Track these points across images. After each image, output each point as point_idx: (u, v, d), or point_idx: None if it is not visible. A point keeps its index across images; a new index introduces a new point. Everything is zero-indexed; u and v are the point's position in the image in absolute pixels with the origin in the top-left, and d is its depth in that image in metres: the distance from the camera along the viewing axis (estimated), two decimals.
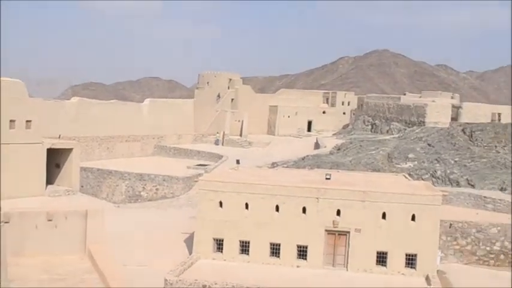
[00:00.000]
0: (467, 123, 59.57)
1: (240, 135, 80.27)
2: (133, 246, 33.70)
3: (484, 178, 45.89)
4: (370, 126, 79.09)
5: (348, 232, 30.70)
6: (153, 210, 46.83)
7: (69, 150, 50.31)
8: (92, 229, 25.07)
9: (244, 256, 31.26)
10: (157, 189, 52.75)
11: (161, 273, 27.65)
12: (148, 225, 39.45)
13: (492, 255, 35.41)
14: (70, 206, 36.74)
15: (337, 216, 30.68)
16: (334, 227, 30.71)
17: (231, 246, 31.35)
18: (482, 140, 53.00)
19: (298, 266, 30.74)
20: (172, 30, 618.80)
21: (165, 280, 27.16)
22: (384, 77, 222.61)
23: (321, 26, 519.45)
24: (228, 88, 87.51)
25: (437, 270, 31.04)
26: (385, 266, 30.42)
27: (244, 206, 31.29)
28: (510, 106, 73.14)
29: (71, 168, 50.43)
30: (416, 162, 50.45)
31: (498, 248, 35.45)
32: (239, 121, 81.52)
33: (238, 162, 43.33)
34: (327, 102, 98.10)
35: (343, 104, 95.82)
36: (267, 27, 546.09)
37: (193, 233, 32.66)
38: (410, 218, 30.35)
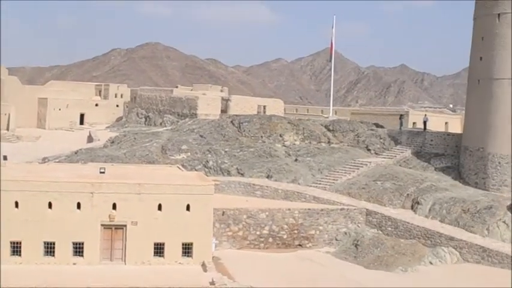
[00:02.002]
0: (236, 115, 62.46)
1: (7, 129, 75.49)
2: None
3: (252, 167, 48.69)
4: (143, 119, 79.31)
5: (125, 225, 30.63)
6: None
7: None
8: None
9: (16, 258, 29.59)
10: None
11: None
12: None
13: (262, 239, 37.81)
14: None
15: (113, 210, 30.44)
16: (111, 221, 30.44)
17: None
18: (249, 131, 56.04)
19: (74, 264, 29.89)
20: None
21: None
22: (156, 70, 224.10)
23: (93, 17, 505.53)
24: None
25: (213, 257, 32.33)
26: (162, 256, 30.91)
27: (14, 204, 29.58)
28: (273, 99, 78.47)
29: None
30: (189, 153, 51.76)
31: (267, 232, 37.95)
32: (5, 114, 76.65)
33: (5, 158, 40.64)
34: (100, 95, 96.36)
35: (116, 96, 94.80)
36: (34, 15, 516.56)
37: None
38: (185, 208, 31.19)
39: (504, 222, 37.44)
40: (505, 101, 42.96)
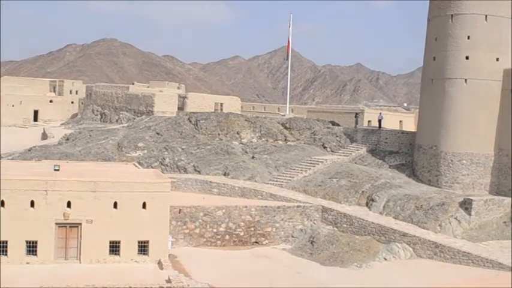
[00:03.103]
0: (193, 112, 62.29)
1: None
2: None
3: (209, 164, 48.65)
4: (99, 116, 78.34)
5: (80, 224, 30.29)
6: None
7: None
8: None
9: None
10: None
11: None
12: None
13: (219, 236, 37.83)
14: None
15: (68, 208, 30.06)
16: (65, 220, 30.06)
17: None
18: (206, 128, 55.96)
19: (28, 263, 29.43)
20: None
21: None
22: (112, 66, 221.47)
23: (48, 11, 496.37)
24: None
25: (169, 255, 32.24)
26: (118, 254, 30.69)
27: None
28: (230, 97, 78.46)
29: None
30: (146, 150, 51.42)
31: (223, 229, 37.99)
32: None
33: None
34: (54, 91, 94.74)
35: (71, 92, 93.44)
36: None
37: None
38: (141, 206, 31.03)
39: (456, 218, 38.32)
40: (457, 100, 43.93)
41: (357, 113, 63.05)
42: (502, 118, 43.42)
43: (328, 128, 57.74)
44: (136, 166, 40.04)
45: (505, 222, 39.71)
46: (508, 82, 43.23)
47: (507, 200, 41.22)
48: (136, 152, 51.16)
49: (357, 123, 58.74)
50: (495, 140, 43.62)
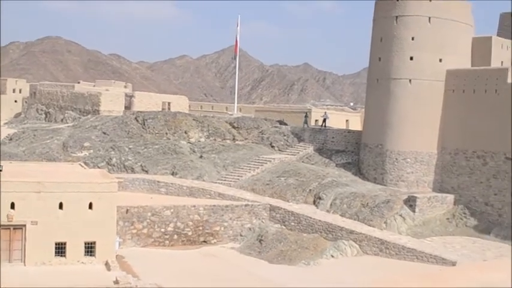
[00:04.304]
0: (140, 111, 61.69)
1: None
2: None
3: (157, 164, 48.33)
4: (44, 115, 76.66)
5: (24, 225, 29.63)
6: None
7: None
8: None
9: None
10: None
11: None
12: None
13: (167, 236, 37.64)
14: None
15: (12, 210, 29.37)
16: (9, 221, 29.35)
17: None
18: (154, 127, 55.53)
19: None
20: None
21: None
22: (57, 65, 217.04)
23: None
24: None
25: (117, 256, 31.88)
26: (64, 256, 30.16)
27: None
28: (178, 96, 78.07)
29: None
30: (92, 150, 50.70)
31: (172, 229, 37.82)
32: None
33: None
34: None
35: (14, 91, 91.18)
36: None
37: None
38: (87, 206, 30.59)
39: (401, 215, 39.17)
40: (402, 100, 44.85)
41: (306, 113, 63.65)
42: (445, 118, 44.56)
43: (276, 127, 58.10)
44: (82, 166, 39.41)
45: (448, 218, 40.83)
46: (450, 82, 44.40)
47: (450, 197, 42.40)
48: (82, 152, 50.40)
49: (306, 122, 59.32)
50: (438, 138, 44.72)
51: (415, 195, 40.84)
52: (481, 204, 41.50)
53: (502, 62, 46.57)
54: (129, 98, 70.65)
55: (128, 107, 68.55)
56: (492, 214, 40.87)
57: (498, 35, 52.75)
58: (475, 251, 35.69)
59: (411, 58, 44.62)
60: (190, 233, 38.19)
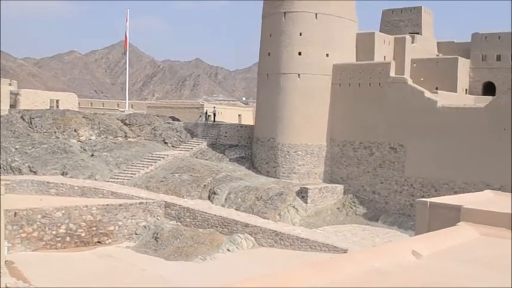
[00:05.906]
0: (27, 110, 59.45)
1: None
2: None
3: (46, 164, 46.79)
4: None
5: None
6: None
7: None
8: None
9: None
10: None
11: None
12: None
13: (59, 239, 36.55)
14: None
15: None
16: None
17: None
18: (42, 126, 53.68)
19: None
20: None
21: None
22: None
23: None
24: None
25: (6, 261, 30.61)
26: None
27: None
28: (67, 93, 75.88)
29: None
30: None
31: (64, 231, 36.76)
32: None
33: None
34: None
35: None
36: None
37: None
38: None
39: (294, 207, 40.23)
40: (291, 95, 45.98)
41: (207, 110, 64.31)
42: (333, 111, 46.14)
43: (169, 123, 57.84)
44: None
45: (338, 208, 42.40)
46: (337, 77, 45.99)
47: (340, 187, 44.02)
48: None
49: (206, 119, 59.77)
50: (327, 131, 46.25)
51: (306, 186, 42.07)
52: (369, 193, 43.43)
53: (384, 56, 48.86)
54: (15, 95, 67.83)
55: (13, 106, 65.80)
56: (379, 202, 42.87)
57: (381, 31, 55.27)
58: (365, 237, 37.30)
59: (299, 53, 45.82)
60: (83, 234, 37.31)
